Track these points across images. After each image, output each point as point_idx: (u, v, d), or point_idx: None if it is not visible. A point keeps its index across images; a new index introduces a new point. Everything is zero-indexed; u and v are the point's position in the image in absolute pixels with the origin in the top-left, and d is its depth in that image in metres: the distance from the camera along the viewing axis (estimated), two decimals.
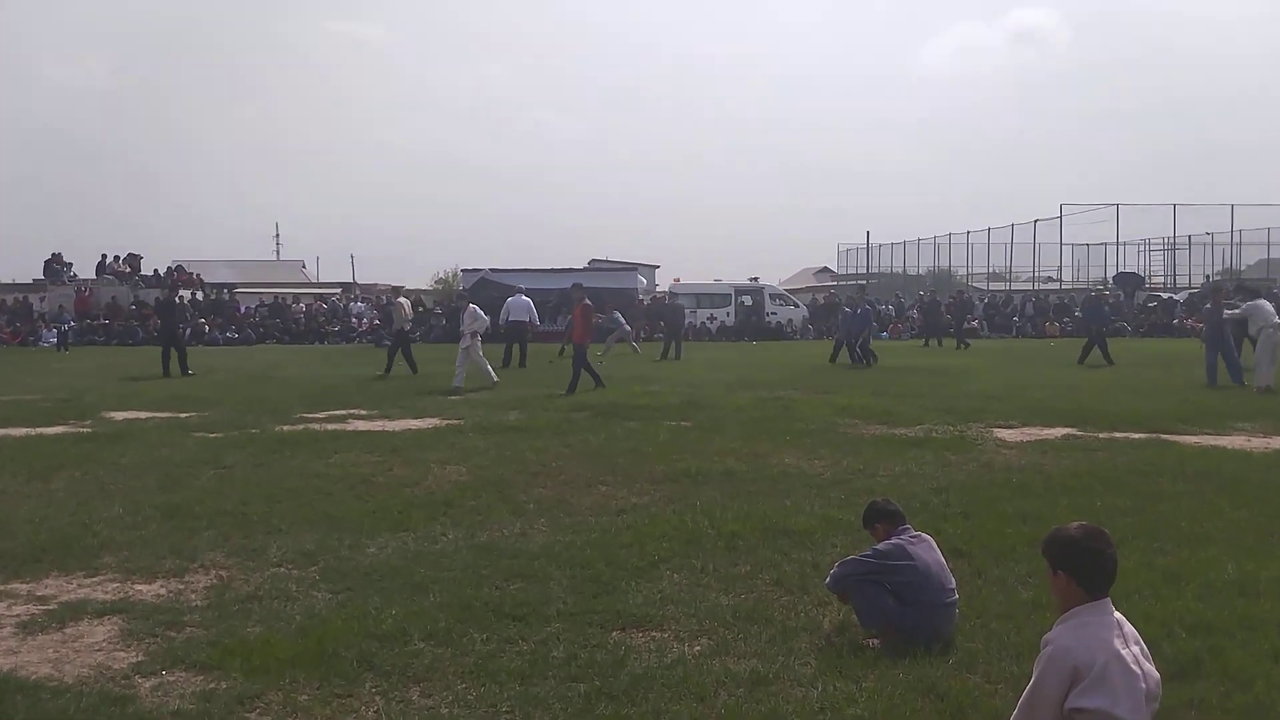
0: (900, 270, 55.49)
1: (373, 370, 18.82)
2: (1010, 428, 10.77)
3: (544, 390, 15.09)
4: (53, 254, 38.54)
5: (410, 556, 5.70)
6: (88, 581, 5.34)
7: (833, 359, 21.83)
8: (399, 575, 5.33)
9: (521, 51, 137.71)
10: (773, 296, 40.07)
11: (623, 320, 27.22)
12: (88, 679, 4.00)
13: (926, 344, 30.68)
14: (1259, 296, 17.69)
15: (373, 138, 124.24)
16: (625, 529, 6.26)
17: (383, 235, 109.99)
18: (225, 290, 40.01)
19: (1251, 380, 15.08)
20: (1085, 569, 2.87)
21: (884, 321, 38.57)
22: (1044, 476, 7.86)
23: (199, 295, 38.21)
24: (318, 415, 12.26)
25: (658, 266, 46.79)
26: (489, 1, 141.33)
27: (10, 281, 40.73)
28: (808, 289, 55.46)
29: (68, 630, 4.60)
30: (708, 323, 38.23)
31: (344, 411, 12.68)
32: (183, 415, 12.42)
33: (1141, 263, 47.37)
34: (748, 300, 39.30)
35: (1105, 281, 45.16)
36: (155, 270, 40.29)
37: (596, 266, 40.86)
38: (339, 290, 45.30)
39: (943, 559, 4.48)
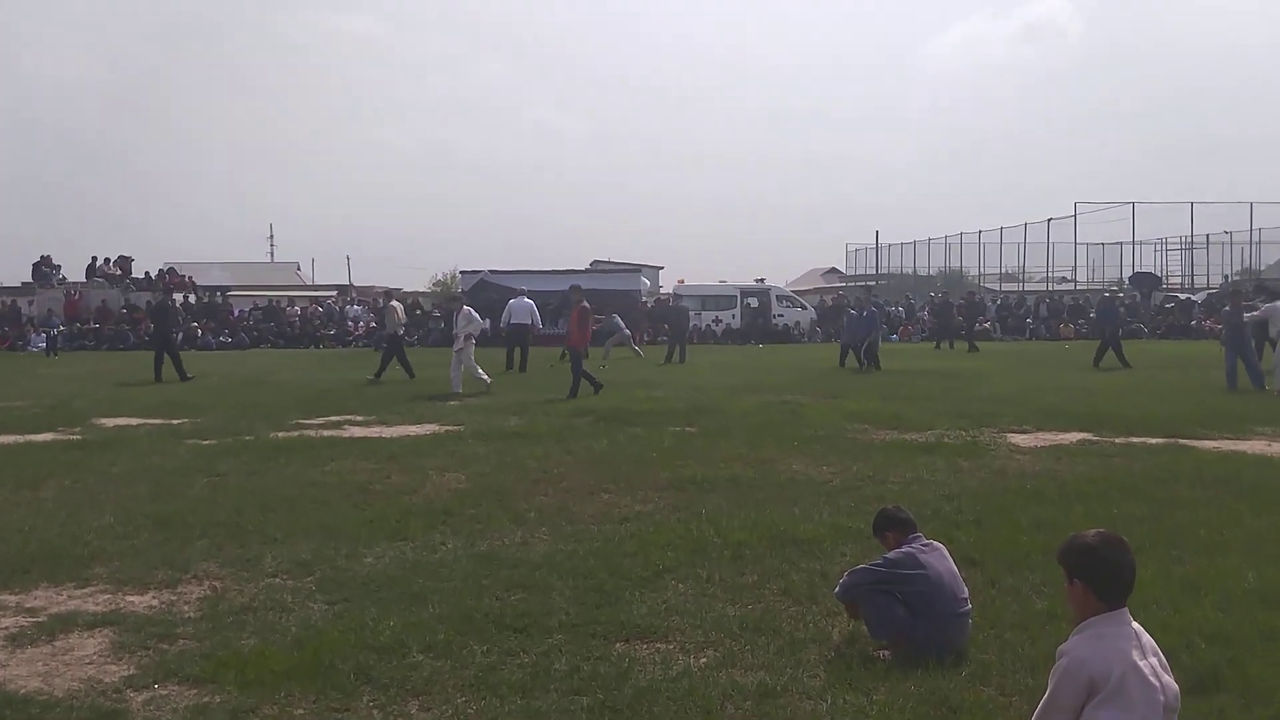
0: (910, 271, 55.51)
1: (369, 374, 18.84)
2: (1024, 432, 10.76)
3: (545, 395, 15.10)
4: (41, 256, 38.70)
5: (408, 566, 5.71)
6: (78, 593, 5.35)
7: (842, 363, 21.81)
8: (397, 586, 5.33)
9: (522, 46, 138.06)
10: (779, 298, 40.07)
11: (622, 324, 27.25)
12: (78, 693, 4.00)
13: (938, 346, 30.65)
14: (1279, 298, 17.70)
15: (370, 136, 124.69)
16: (629, 538, 6.26)
17: (380, 236, 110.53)
18: (218, 293, 40.09)
19: (1272, 384, 15.07)
20: (1102, 578, 2.87)
21: (894, 324, 38.60)
22: (1059, 483, 7.85)
23: (191, 298, 38.31)
24: (313, 421, 12.28)
25: (661, 268, 46.98)
26: None
27: None
28: (815, 290, 55.43)
29: (58, 643, 4.60)
30: (713, 325, 38.25)
31: (340, 417, 12.69)
32: (175, 422, 12.43)
33: (1158, 262, 47.35)
34: (754, 302, 39.28)
35: (1121, 282, 45.12)
36: (146, 273, 40.44)
37: (599, 268, 40.83)
38: (335, 293, 45.36)
39: (955, 568, 4.48)
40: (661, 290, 43.94)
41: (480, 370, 16.13)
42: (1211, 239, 45.55)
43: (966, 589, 4.45)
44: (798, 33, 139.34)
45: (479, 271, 36.45)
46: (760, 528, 6.38)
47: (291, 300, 41.80)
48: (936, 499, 7.28)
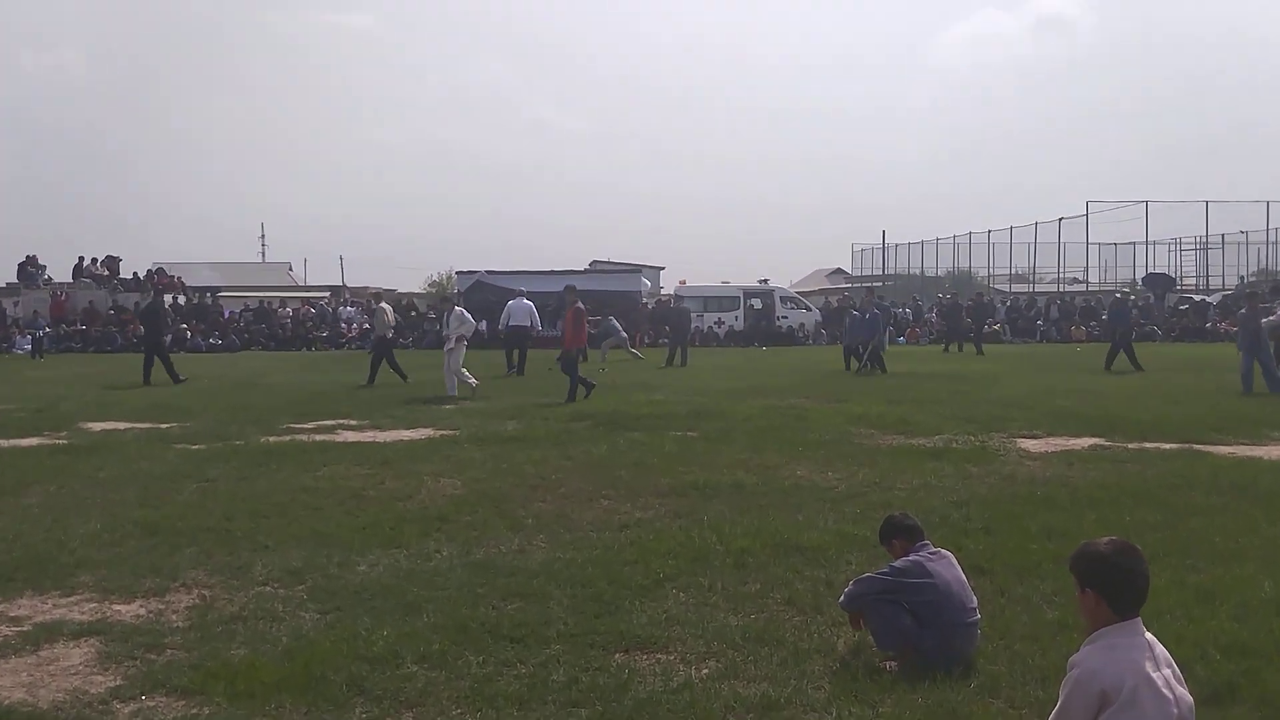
0: (918, 271, 55.50)
1: (362, 380, 18.83)
2: (1034, 437, 10.76)
3: (542, 399, 15.11)
4: (27, 256, 38.71)
5: (402, 575, 5.71)
6: (64, 601, 5.35)
7: (847, 367, 21.77)
8: (391, 594, 5.33)
9: (522, 46, 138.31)
10: (783, 299, 40.00)
11: (619, 326, 27.23)
12: (64, 704, 4.00)
13: (947, 349, 30.65)
14: None
15: (365, 133, 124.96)
16: (629, 545, 6.26)
17: (375, 236, 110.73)
18: (208, 294, 40.14)
19: None
20: (1115, 587, 2.87)
21: (901, 325, 38.58)
22: (1070, 489, 7.85)
23: (180, 299, 38.33)
24: (305, 425, 12.29)
25: (662, 268, 47.06)
26: None
27: None
28: (820, 291, 55.48)
29: (42, 653, 4.60)
30: (715, 327, 38.20)
31: (333, 421, 12.71)
32: (163, 426, 12.44)
33: (1172, 263, 47.34)
34: (757, 303, 39.24)
35: (1134, 283, 45.06)
36: (135, 273, 40.46)
37: (598, 268, 40.83)
38: (327, 294, 45.40)
39: (963, 576, 4.48)
40: (663, 291, 43.96)
41: (467, 374, 16.16)
42: (1227, 239, 45.49)
43: (975, 598, 4.45)
44: (798, 32, 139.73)
45: (475, 272, 36.43)
46: (763, 535, 6.38)
47: (283, 301, 41.83)
48: (944, 506, 7.28)
